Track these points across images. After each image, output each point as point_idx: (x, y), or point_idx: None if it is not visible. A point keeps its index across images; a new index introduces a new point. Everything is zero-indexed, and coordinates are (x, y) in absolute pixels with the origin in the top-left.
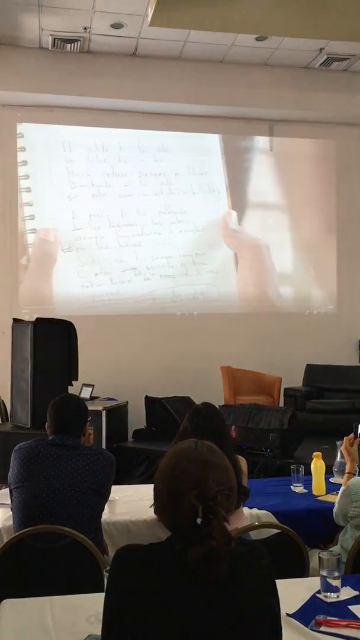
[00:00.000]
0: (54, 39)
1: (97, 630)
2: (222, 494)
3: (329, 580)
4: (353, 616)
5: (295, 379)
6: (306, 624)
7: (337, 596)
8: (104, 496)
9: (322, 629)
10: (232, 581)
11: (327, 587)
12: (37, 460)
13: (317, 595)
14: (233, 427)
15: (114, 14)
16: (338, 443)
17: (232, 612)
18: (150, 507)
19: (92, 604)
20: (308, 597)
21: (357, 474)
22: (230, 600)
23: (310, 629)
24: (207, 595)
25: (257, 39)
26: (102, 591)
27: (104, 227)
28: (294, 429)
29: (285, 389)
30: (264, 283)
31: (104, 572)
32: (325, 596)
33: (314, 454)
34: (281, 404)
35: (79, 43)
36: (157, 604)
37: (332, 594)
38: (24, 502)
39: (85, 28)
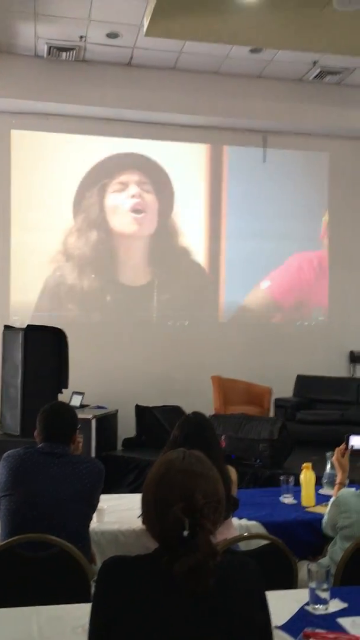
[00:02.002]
0: (50, 47)
1: None
2: (209, 506)
3: (318, 593)
4: (341, 629)
5: (285, 390)
6: (294, 636)
7: (326, 608)
8: (93, 505)
9: None
10: (220, 595)
11: (316, 600)
12: (26, 469)
13: (306, 607)
14: (223, 436)
15: (110, 24)
16: (328, 454)
17: (219, 626)
18: (138, 517)
19: (79, 614)
20: (296, 609)
21: (347, 485)
22: (218, 614)
23: None
24: (194, 608)
25: (252, 51)
26: (89, 601)
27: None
28: (284, 440)
29: (276, 400)
30: (255, 293)
31: (92, 582)
32: (314, 608)
33: (304, 465)
34: (271, 414)
35: (74, 52)
36: (143, 616)
37: (320, 606)
38: (11, 510)
39: (81, 37)
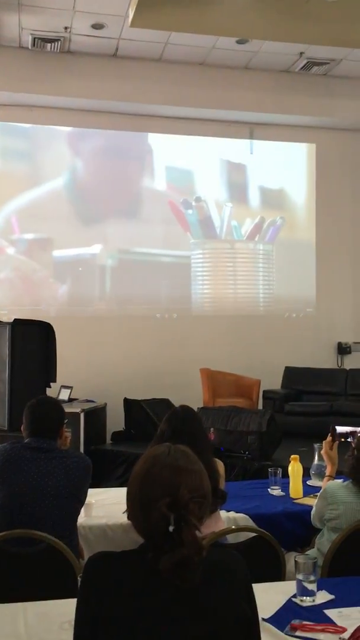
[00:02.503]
0: (34, 38)
1: (70, 637)
2: (195, 501)
3: (305, 584)
4: (329, 620)
5: (274, 382)
6: (282, 628)
7: (313, 600)
8: (80, 500)
9: (298, 633)
10: (206, 589)
11: (303, 591)
12: (12, 464)
13: (293, 599)
14: (212, 429)
15: (95, 14)
16: (316, 446)
17: (206, 621)
18: (123, 513)
19: (66, 610)
20: (284, 602)
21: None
22: (204, 609)
23: (286, 634)
24: (180, 603)
25: (238, 42)
26: (76, 597)
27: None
28: (272, 432)
29: (264, 392)
30: (242, 285)
31: (79, 577)
32: (301, 600)
33: (292, 456)
34: (260, 406)
35: (59, 43)
36: (129, 612)
37: (307, 598)
38: None
39: (65, 28)
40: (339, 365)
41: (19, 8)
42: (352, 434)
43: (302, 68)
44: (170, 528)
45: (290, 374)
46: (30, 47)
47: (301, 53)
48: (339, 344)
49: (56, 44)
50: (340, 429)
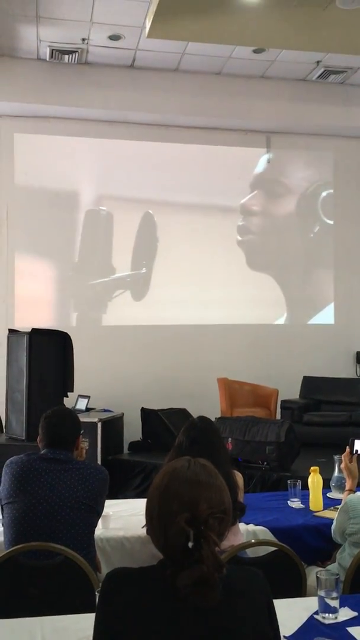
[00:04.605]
0: (52, 50)
1: None
2: (214, 517)
3: (327, 601)
4: (352, 638)
5: (292, 391)
6: None
7: (335, 617)
8: (97, 512)
9: None
10: (226, 608)
11: (325, 608)
12: (29, 475)
13: (315, 616)
14: (229, 439)
15: (112, 26)
16: (336, 457)
17: None
18: (143, 527)
19: (84, 625)
20: (305, 619)
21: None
22: (223, 628)
23: None
24: (198, 622)
25: (255, 52)
26: (95, 611)
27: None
28: (291, 442)
29: (282, 401)
30: (261, 295)
31: (96, 592)
32: (323, 617)
33: (311, 468)
34: (278, 416)
35: (76, 54)
36: (147, 630)
37: (330, 615)
38: (14, 518)
39: (83, 39)
40: (358, 374)
41: (37, 20)
42: None
43: (319, 77)
44: (190, 544)
45: (309, 383)
46: (48, 59)
47: (318, 62)
48: (358, 353)
49: (74, 55)
50: (358, 444)
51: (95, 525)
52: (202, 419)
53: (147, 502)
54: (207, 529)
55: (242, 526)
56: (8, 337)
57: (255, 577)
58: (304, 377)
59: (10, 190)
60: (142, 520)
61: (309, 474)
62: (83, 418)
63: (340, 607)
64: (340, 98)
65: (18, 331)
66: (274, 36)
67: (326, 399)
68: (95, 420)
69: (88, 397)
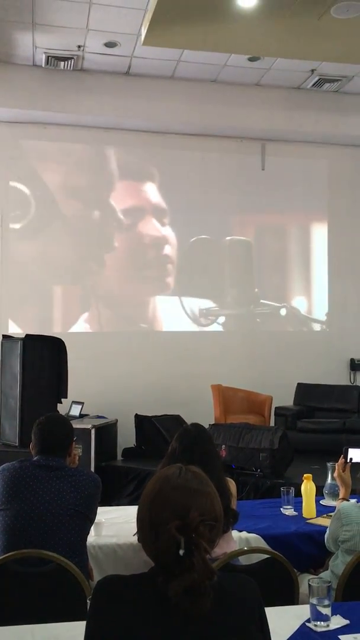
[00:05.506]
0: (48, 56)
1: None
2: (205, 525)
3: (319, 609)
4: None
5: (286, 398)
6: None
7: (327, 625)
8: (90, 519)
9: None
10: (218, 616)
11: (317, 616)
12: (21, 482)
13: (307, 624)
14: (223, 446)
15: (108, 33)
16: (329, 465)
17: None
18: (134, 535)
19: (75, 632)
20: (297, 626)
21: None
22: (214, 635)
23: None
24: (190, 629)
25: (250, 60)
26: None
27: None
28: (285, 449)
29: (276, 408)
30: (254, 302)
31: (88, 600)
32: (315, 625)
33: (305, 476)
34: (272, 423)
35: (72, 61)
36: (138, 637)
37: (322, 622)
38: (7, 525)
39: (79, 46)
40: (352, 382)
41: (33, 27)
42: None
43: (313, 85)
44: (181, 552)
45: (303, 390)
46: (43, 66)
47: (313, 70)
48: (352, 361)
49: (69, 62)
50: (352, 452)
51: (88, 533)
52: (195, 426)
53: (139, 510)
54: (198, 536)
55: (235, 533)
56: (2, 343)
57: (247, 584)
58: (298, 384)
59: (5, 195)
60: (135, 527)
61: (303, 481)
62: (77, 424)
63: (333, 614)
64: (334, 106)
65: (12, 337)
66: (269, 44)
67: (320, 406)
68: (89, 426)
69: (82, 403)
